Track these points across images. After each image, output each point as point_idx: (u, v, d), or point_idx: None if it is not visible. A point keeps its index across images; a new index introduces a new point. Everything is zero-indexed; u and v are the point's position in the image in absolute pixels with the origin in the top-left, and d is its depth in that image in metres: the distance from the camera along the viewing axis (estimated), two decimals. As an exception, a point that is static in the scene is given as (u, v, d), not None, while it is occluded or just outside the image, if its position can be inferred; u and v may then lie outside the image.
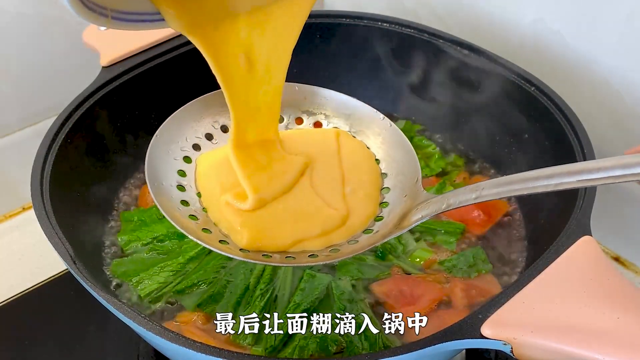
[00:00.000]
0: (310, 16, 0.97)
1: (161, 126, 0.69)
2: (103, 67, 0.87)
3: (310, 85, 0.75)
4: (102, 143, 0.86)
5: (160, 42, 0.90)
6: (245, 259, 0.62)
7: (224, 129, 0.72)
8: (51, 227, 0.70)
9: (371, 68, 1.00)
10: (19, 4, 0.95)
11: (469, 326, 0.59)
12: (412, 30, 0.93)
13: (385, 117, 0.72)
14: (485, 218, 0.86)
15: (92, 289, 0.65)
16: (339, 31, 0.97)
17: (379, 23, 0.95)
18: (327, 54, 0.99)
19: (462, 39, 0.91)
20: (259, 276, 0.79)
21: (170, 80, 0.92)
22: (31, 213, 0.73)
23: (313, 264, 0.64)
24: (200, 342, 0.59)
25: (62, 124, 0.80)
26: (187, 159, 0.70)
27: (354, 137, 0.73)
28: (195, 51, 0.92)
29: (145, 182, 0.92)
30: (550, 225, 0.77)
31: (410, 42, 0.94)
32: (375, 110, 0.73)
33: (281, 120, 0.73)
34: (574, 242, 0.65)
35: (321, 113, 0.74)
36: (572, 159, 0.75)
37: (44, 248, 0.71)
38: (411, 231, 0.84)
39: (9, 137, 1.03)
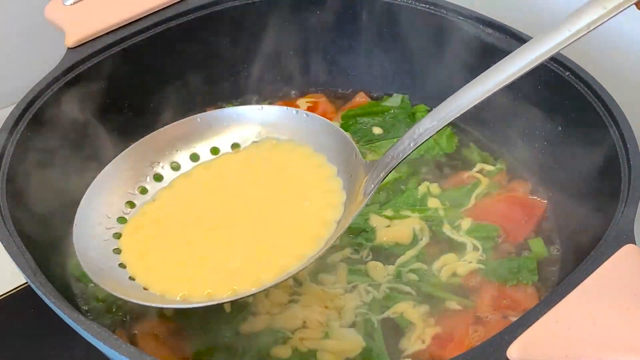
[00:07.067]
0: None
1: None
2: (69, 48, 0.87)
3: (210, 111, 0.83)
4: (67, 136, 0.85)
5: (133, 20, 0.90)
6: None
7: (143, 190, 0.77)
8: (8, 235, 0.69)
9: (383, 48, 1.01)
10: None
11: (494, 349, 0.58)
12: (429, 7, 0.94)
13: (299, 110, 0.78)
14: (525, 218, 0.86)
15: (56, 306, 0.64)
16: (344, 7, 0.99)
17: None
18: (329, 29, 1.01)
19: (485, 15, 0.90)
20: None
21: (145, 63, 0.93)
22: (-13, 218, 0.72)
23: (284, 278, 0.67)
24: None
25: (21, 115, 0.80)
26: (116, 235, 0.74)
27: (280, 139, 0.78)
28: (172, 31, 0.92)
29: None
30: (588, 232, 0.75)
31: (427, 20, 0.95)
32: (285, 107, 0.79)
33: (196, 158, 0.79)
34: (615, 252, 0.64)
35: (231, 132, 0.80)
36: (615, 158, 0.75)
37: (2, 259, 0.70)
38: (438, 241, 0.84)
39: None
